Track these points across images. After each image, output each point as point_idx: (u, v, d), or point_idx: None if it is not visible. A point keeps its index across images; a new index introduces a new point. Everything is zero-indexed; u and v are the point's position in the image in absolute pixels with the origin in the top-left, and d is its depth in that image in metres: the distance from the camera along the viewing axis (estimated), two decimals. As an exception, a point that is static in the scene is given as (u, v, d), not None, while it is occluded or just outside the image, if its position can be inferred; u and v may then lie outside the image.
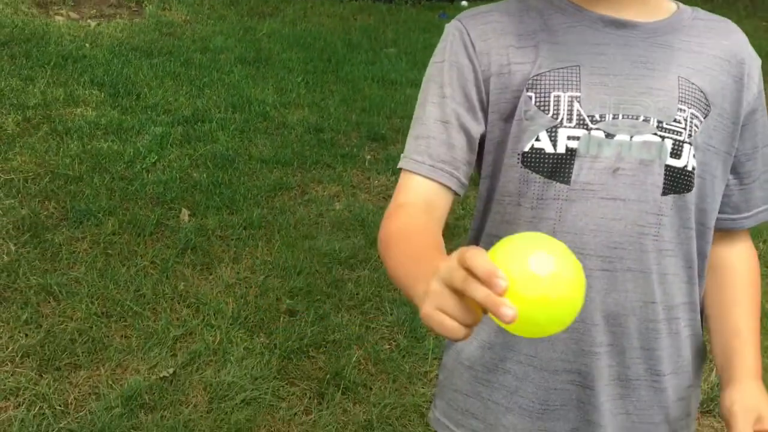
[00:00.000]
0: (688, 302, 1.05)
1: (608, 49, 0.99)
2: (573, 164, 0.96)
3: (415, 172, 1.00)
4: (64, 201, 3.31)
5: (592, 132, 0.96)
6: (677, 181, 0.98)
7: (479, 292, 0.63)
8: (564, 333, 0.98)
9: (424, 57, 6.01)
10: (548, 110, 0.97)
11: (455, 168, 1.00)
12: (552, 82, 0.97)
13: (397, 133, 4.48)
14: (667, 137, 0.97)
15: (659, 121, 0.96)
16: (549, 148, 0.97)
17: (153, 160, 3.78)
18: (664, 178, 0.97)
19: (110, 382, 2.33)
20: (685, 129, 0.97)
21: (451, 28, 1.05)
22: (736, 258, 1.10)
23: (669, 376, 1.04)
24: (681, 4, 1.06)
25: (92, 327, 2.56)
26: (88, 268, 2.88)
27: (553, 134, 0.97)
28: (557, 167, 0.97)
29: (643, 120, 0.96)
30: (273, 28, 6.48)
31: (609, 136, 0.96)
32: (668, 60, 0.99)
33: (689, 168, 0.98)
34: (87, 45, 5.49)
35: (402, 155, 1.04)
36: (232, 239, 3.18)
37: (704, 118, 0.99)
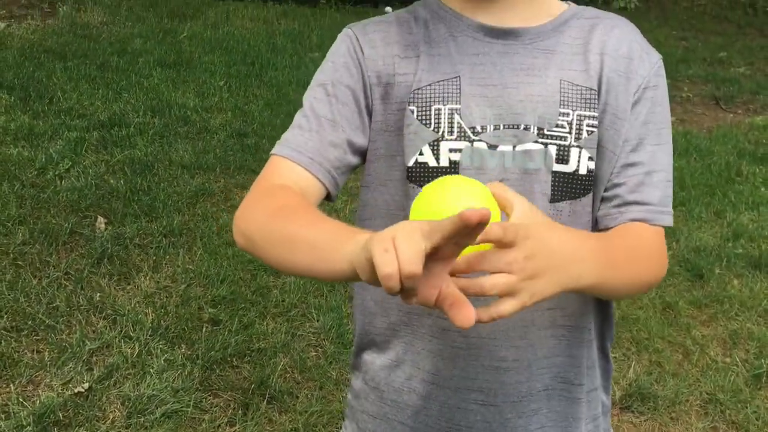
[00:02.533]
0: (592, 307, 1.02)
1: (488, 58, 0.97)
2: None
3: (293, 161, 0.96)
4: (-30, 210, 3.14)
5: (475, 144, 0.95)
6: (569, 187, 0.95)
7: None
8: (464, 350, 0.97)
9: (348, 61, 6.00)
10: (430, 123, 0.95)
11: (335, 167, 0.98)
12: (432, 95, 0.96)
13: (322, 138, 4.44)
14: (551, 143, 0.94)
15: (539, 128, 0.94)
16: (432, 162, 0.95)
17: (67, 167, 3.62)
18: (552, 185, 0.95)
19: (21, 400, 2.21)
20: (570, 133, 0.95)
21: (342, 35, 1.03)
22: (635, 232, 0.97)
23: (579, 386, 1.02)
24: (572, 5, 1.04)
25: (1, 342, 2.43)
26: (-4, 280, 2.73)
27: (435, 148, 0.95)
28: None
29: (524, 128, 0.94)
30: (194, 30, 6.35)
31: (491, 147, 0.95)
32: (549, 65, 0.97)
33: (582, 172, 0.95)
34: (-5, 46, 5.25)
35: (278, 142, 0.99)
36: (152, 247, 3.08)
37: (600, 116, 0.96)
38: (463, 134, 0.95)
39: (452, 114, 0.95)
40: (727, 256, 3.40)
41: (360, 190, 1.05)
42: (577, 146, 0.94)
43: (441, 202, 0.74)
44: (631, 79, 0.97)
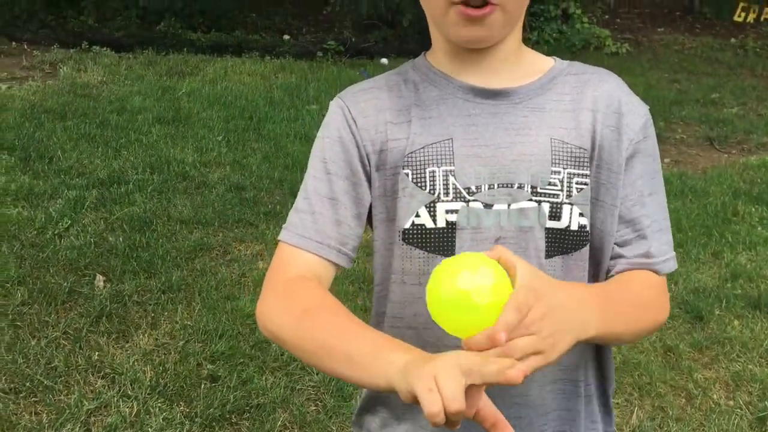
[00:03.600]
0: (590, 358, 1.04)
1: (479, 119, 0.99)
2: (455, 237, 0.97)
3: (302, 248, 0.99)
4: (-31, 272, 3.16)
5: (470, 204, 0.97)
6: (561, 242, 0.98)
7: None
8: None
9: (345, 113, 6.07)
10: (425, 186, 0.98)
11: (343, 244, 1.01)
12: (426, 158, 0.98)
13: (319, 189, 4.47)
14: (544, 201, 0.97)
15: (533, 186, 0.97)
16: (429, 224, 0.98)
17: (66, 225, 3.65)
18: (546, 242, 0.97)
19: (17, 465, 2.19)
20: (561, 190, 0.97)
21: (333, 106, 1.06)
22: (639, 281, 1.01)
23: None
24: (558, 60, 1.06)
25: (-2, 405, 2.42)
26: (-5, 342, 2.73)
27: (432, 209, 0.97)
28: (440, 241, 0.98)
29: (518, 187, 0.97)
30: (192, 87, 6.45)
31: (487, 206, 0.97)
32: (540, 123, 0.99)
33: (573, 228, 0.98)
34: (-3, 108, 5.33)
35: (285, 227, 1.03)
36: (150, 304, 3.09)
37: (589, 173, 0.99)
38: (458, 195, 0.97)
39: (447, 175, 0.97)
40: (726, 297, 3.39)
41: (374, 257, 1.07)
42: (569, 203, 0.97)
43: (454, 288, 0.79)
44: (623, 134, 0.99)
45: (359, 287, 3.34)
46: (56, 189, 4.07)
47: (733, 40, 10.54)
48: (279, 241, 1.03)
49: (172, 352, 2.78)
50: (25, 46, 7.46)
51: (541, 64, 1.05)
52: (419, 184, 0.98)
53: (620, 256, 1.01)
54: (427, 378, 0.72)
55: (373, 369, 0.82)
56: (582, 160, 0.98)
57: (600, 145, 0.99)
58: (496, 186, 0.97)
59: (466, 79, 1.01)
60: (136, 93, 6.10)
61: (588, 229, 0.99)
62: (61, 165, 4.42)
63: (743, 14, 11.77)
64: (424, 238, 0.98)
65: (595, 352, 1.05)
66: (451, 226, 0.97)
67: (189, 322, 2.98)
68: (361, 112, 1.03)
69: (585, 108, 1.00)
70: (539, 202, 0.97)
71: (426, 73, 1.04)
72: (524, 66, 1.03)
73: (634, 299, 0.98)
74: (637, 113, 1.02)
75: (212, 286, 3.28)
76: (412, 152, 0.99)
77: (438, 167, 0.97)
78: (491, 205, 0.97)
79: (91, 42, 7.55)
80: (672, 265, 1.02)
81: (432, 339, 0.94)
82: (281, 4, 11.17)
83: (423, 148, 0.99)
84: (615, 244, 1.01)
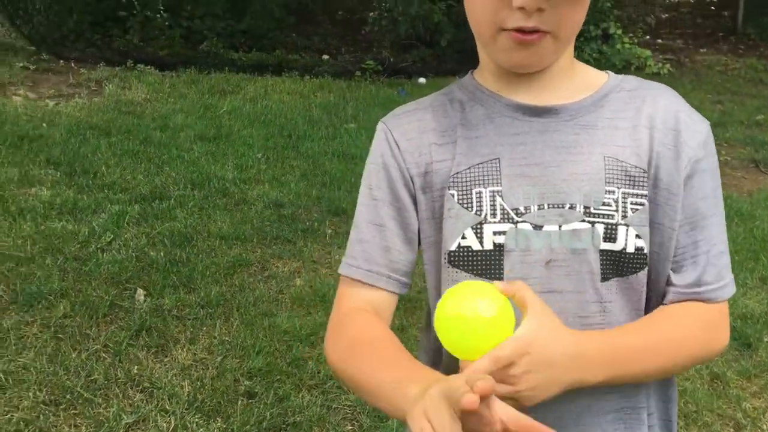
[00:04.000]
0: (652, 387, 1.00)
1: (528, 137, 0.96)
2: (503, 260, 0.94)
3: (353, 278, 1.01)
4: (14, 283, 3.21)
5: (519, 225, 0.94)
6: (617, 265, 0.94)
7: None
8: None
9: (383, 131, 6.09)
10: (471, 207, 0.95)
11: (393, 270, 1.00)
12: (472, 178, 0.96)
13: (357, 207, 4.48)
14: (598, 222, 0.93)
15: (586, 207, 0.93)
16: (476, 246, 0.95)
17: (108, 240, 3.71)
18: (602, 264, 0.93)
19: (56, 476, 2.20)
20: (617, 211, 0.93)
21: (377, 131, 1.05)
22: (684, 315, 0.97)
23: None
24: (611, 75, 1.02)
25: (39, 416, 2.44)
26: (38, 353, 2.76)
27: (478, 231, 0.95)
28: (487, 264, 0.95)
29: (570, 207, 0.93)
30: (233, 105, 6.54)
31: (537, 227, 0.93)
32: (592, 141, 0.95)
33: (630, 250, 0.93)
34: (44, 124, 5.46)
35: (343, 258, 1.05)
36: (189, 319, 3.10)
37: (647, 194, 0.94)
38: (506, 216, 0.94)
39: (494, 196, 0.94)
40: (775, 323, 3.29)
41: (426, 278, 1.06)
42: (624, 224, 0.93)
43: (455, 310, 0.81)
44: (681, 153, 0.95)
45: (396, 307, 3.31)
46: (99, 203, 4.14)
47: (778, 61, 10.33)
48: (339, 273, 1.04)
49: (210, 368, 2.78)
50: (72, 64, 7.66)
51: (594, 78, 1.01)
52: (465, 205, 0.95)
53: (672, 284, 0.97)
54: (418, 417, 0.73)
55: (393, 402, 0.83)
56: (638, 179, 0.94)
57: (657, 165, 0.95)
58: (546, 206, 0.93)
59: (514, 97, 0.98)
60: (178, 111, 6.21)
61: (646, 251, 0.94)
62: (104, 180, 4.50)
63: (789, 35, 11.55)
64: (471, 260, 0.95)
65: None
66: (499, 249, 0.94)
67: (227, 338, 2.99)
68: (404, 135, 1.02)
69: (641, 125, 0.96)
70: (593, 223, 0.93)
71: (473, 92, 1.02)
72: (576, 82, 0.99)
73: (664, 337, 0.93)
74: (695, 130, 0.97)
75: (250, 302, 3.29)
76: (457, 173, 0.97)
77: (485, 188, 0.95)
78: (541, 227, 0.93)
79: (135, 61, 7.72)
80: (729, 291, 0.97)
81: None
82: (321, 25, 11.32)
83: (469, 168, 0.96)
84: (671, 269, 0.97)
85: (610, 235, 0.93)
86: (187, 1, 9.29)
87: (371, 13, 10.62)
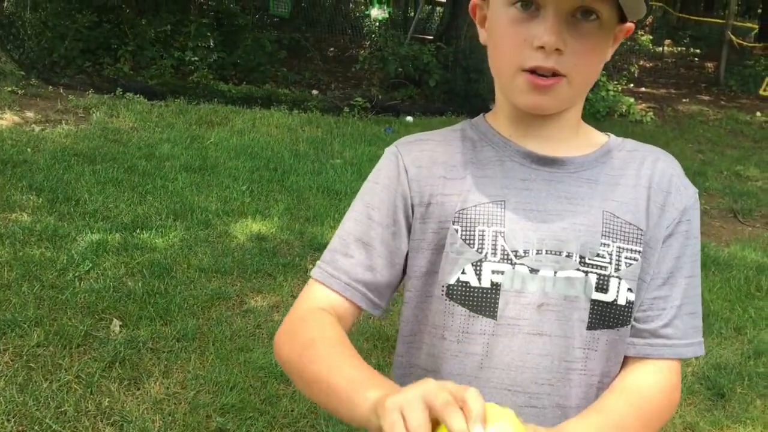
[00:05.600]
0: None
1: (534, 184, 1.01)
2: (498, 299, 0.97)
3: (327, 286, 1.02)
4: (-12, 310, 3.18)
5: (516, 267, 0.97)
6: (606, 316, 0.98)
7: (457, 422, 0.69)
8: None
9: (369, 168, 6.08)
10: (473, 244, 0.98)
11: (371, 290, 1.02)
12: (477, 217, 0.99)
13: (339, 244, 4.48)
14: (591, 272, 0.97)
15: (581, 256, 0.97)
16: (474, 282, 0.98)
17: (87, 268, 3.68)
18: (590, 313, 0.97)
19: None
20: (610, 263, 0.97)
21: (388, 153, 1.08)
22: (652, 388, 1.00)
23: None
24: (612, 136, 1.09)
25: (5, 448, 2.40)
26: (8, 382, 2.73)
27: (478, 268, 0.98)
28: (483, 301, 0.98)
29: (566, 255, 0.97)
30: (221, 137, 6.57)
31: (533, 271, 0.97)
32: (592, 195, 1.00)
33: (621, 302, 0.98)
34: (29, 150, 5.46)
35: (318, 264, 1.05)
36: (164, 352, 3.08)
37: (641, 250, 0.99)
38: (506, 257, 0.97)
39: (496, 236, 0.98)
40: (748, 374, 3.31)
41: (401, 306, 1.08)
42: (617, 277, 0.97)
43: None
44: (666, 212, 1.01)
45: (374, 345, 3.31)
46: (80, 231, 4.12)
47: (758, 114, 10.56)
48: (310, 277, 1.05)
49: (182, 402, 2.76)
50: (61, 90, 7.67)
51: (597, 137, 1.08)
52: (468, 242, 0.98)
53: (636, 335, 1.00)
54: (391, 411, 0.73)
55: (352, 405, 0.83)
56: (632, 235, 0.99)
57: (649, 224, 1.01)
58: (544, 252, 0.97)
59: (524, 144, 1.03)
60: (165, 140, 6.22)
61: (635, 304, 0.99)
62: (86, 208, 4.49)
63: (769, 88, 11.81)
64: (468, 295, 0.98)
65: None
66: (496, 287, 0.97)
67: (201, 372, 2.97)
68: (414, 162, 1.05)
69: (640, 185, 1.02)
70: (586, 272, 0.97)
71: (485, 133, 1.06)
72: (581, 138, 1.06)
73: (641, 415, 0.96)
74: (683, 194, 1.04)
75: (227, 336, 3.27)
76: (463, 209, 1.00)
77: (488, 227, 0.98)
78: (537, 270, 0.96)
79: (125, 89, 7.76)
80: (695, 351, 1.01)
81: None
82: (312, 61, 11.45)
83: (475, 206, 0.99)
84: (634, 320, 1.00)
85: (602, 286, 0.97)
86: (179, 33, 9.38)
87: (362, 51, 10.76)
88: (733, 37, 12.47)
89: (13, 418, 2.54)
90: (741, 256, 4.94)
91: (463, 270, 0.98)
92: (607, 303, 0.97)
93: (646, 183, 1.02)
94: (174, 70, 8.90)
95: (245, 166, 5.82)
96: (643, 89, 12.08)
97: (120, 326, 3.23)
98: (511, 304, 0.96)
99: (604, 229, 0.98)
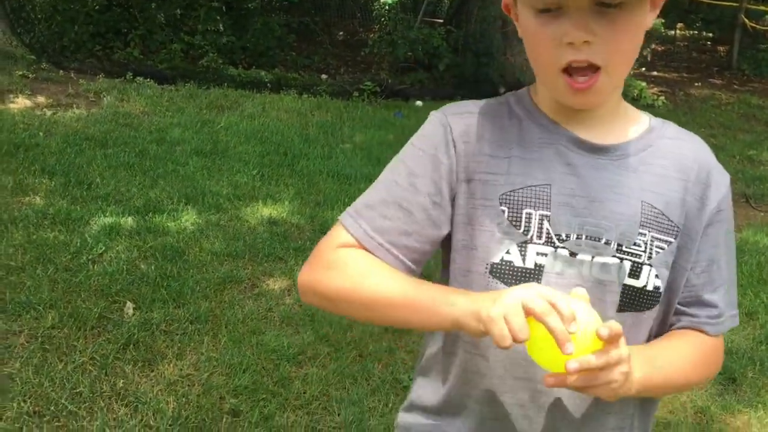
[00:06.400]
0: (639, 408, 1.10)
1: (579, 170, 1.03)
2: (540, 279, 1.01)
3: (360, 241, 1.04)
4: (3, 293, 3.21)
5: (559, 250, 1.01)
6: (635, 300, 1.03)
7: (557, 323, 0.83)
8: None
9: (379, 153, 6.13)
10: (520, 226, 1.01)
11: (404, 255, 1.04)
12: (524, 199, 1.01)
13: (350, 228, 4.49)
14: (627, 259, 1.01)
15: (619, 245, 1.01)
16: (518, 262, 1.01)
17: (100, 251, 3.71)
18: (621, 297, 1.02)
19: (37, 489, 2.20)
20: (644, 251, 1.02)
21: (436, 121, 1.08)
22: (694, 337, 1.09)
23: None
24: (652, 119, 1.11)
25: (22, 428, 2.43)
26: (24, 363, 2.76)
27: (523, 249, 1.01)
28: (525, 281, 1.00)
29: (605, 242, 1.01)
30: (231, 121, 6.57)
31: (572, 255, 1.01)
32: (633, 185, 1.03)
33: (649, 288, 1.03)
34: (41, 134, 5.48)
35: (351, 213, 1.06)
36: (177, 334, 3.10)
37: (673, 239, 1.04)
38: (549, 240, 1.01)
39: (542, 220, 1.01)
40: (760, 359, 3.31)
41: (449, 281, 1.09)
42: (649, 264, 1.02)
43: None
44: (706, 205, 1.06)
45: (385, 328, 3.33)
46: (92, 215, 4.14)
47: (771, 97, 10.45)
48: (339, 221, 1.06)
49: (196, 384, 2.78)
50: (72, 75, 7.68)
51: (637, 118, 1.10)
52: (514, 223, 1.01)
53: (684, 314, 1.08)
54: (498, 319, 0.86)
55: (437, 310, 0.94)
56: (665, 226, 1.04)
57: (685, 214, 1.05)
58: (584, 237, 1.00)
59: (569, 128, 1.05)
60: (176, 125, 6.23)
61: (661, 291, 1.04)
62: (98, 192, 4.51)
63: (783, 72, 11.69)
64: (511, 274, 1.01)
65: (641, 400, 1.11)
66: (539, 268, 1.01)
67: (214, 354, 2.99)
68: (462, 136, 1.05)
69: (678, 178, 1.06)
70: (622, 259, 1.01)
71: (531, 112, 1.07)
72: (623, 120, 1.08)
73: (681, 359, 1.05)
74: (721, 183, 1.08)
75: (239, 319, 3.29)
76: (512, 191, 1.02)
77: (534, 210, 1.01)
78: (576, 254, 1.00)
79: (135, 73, 7.76)
80: (731, 323, 1.11)
81: (506, 371, 1.03)
82: (321, 45, 11.41)
83: (523, 188, 1.02)
84: (679, 303, 1.08)
85: (635, 272, 1.02)
86: (189, 17, 9.36)
87: (371, 35, 10.71)
88: (746, 21, 12.33)
89: (29, 398, 2.58)
90: (753, 241, 4.92)
91: (508, 250, 1.01)
92: (638, 288, 1.02)
93: (684, 176, 1.05)
94: (183, 54, 8.89)
95: (255, 150, 5.82)
96: (655, 73, 11.98)
97: (133, 309, 3.26)
98: (552, 285, 0.98)
99: (642, 220, 1.02)
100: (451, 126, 1.06)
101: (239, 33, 9.52)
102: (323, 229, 4.38)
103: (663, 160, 1.06)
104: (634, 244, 1.01)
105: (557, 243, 1.00)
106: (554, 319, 0.83)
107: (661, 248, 1.03)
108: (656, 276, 1.03)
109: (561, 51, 0.95)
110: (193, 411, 2.63)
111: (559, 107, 1.05)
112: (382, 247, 1.03)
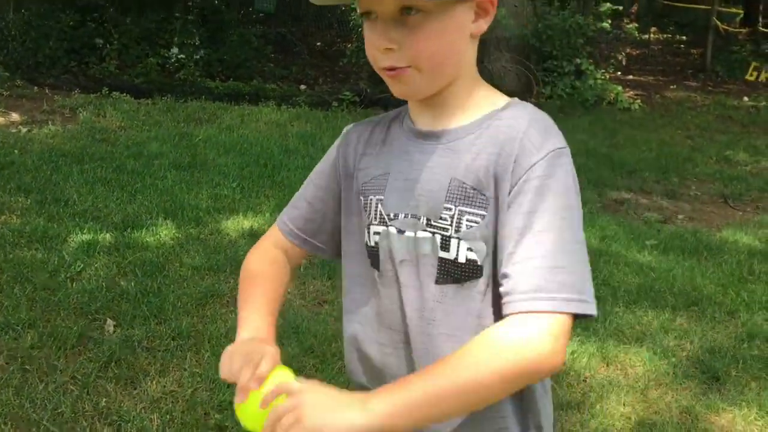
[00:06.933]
0: (509, 404, 1.11)
1: (412, 156, 1.14)
2: (378, 255, 1.16)
3: (281, 230, 1.30)
4: (-19, 313, 3.15)
5: (389, 228, 1.14)
6: (451, 272, 1.09)
7: (243, 377, 1.07)
8: None
9: (359, 162, 6.12)
10: (368, 211, 1.17)
11: (312, 237, 1.28)
12: (371, 188, 1.17)
13: (332, 238, 4.47)
14: (437, 233, 1.09)
15: (428, 219, 1.10)
16: (368, 242, 1.18)
17: (78, 269, 3.66)
18: (438, 269, 1.09)
19: None
20: (451, 225, 1.08)
21: (345, 130, 1.28)
22: (490, 337, 1.00)
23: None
24: (503, 105, 1.11)
25: (2, 451, 2.38)
26: (3, 385, 2.71)
27: (367, 231, 1.18)
28: (372, 257, 1.17)
29: (419, 218, 1.11)
30: (209, 134, 6.54)
31: (400, 232, 1.13)
32: (448, 164, 1.10)
33: (461, 260, 1.08)
34: (16, 151, 5.41)
35: (281, 213, 1.32)
36: (159, 350, 3.06)
37: (483, 213, 1.06)
38: (382, 220, 1.15)
39: (378, 204, 1.15)
40: (742, 357, 3.33)
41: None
42: (457, 237, 1.07)
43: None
44: (512, 172, 1.04)
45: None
46: (70, 232, 4.09)
47: (746, 98, 10.61)
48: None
49: (180, 400, 2.75)
50: (47, 91, 7.62)
51: (491, 105, 1.12)
52: (365, 209, 1.18)
53: (501, 287, 1.03)
54: (224, 354, 1.15)
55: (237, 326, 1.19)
56: (476, 200, 1.07)
57: (496, 186, 1.06)
58: (408, 216, 1.12)
59: (417, 121, 1.16)
60: (153, 139, 6.19)
61: (479, 263, 1.07)
62: (76, 208, 4.46)
63: (755, 73, 11.88)
64: (369, 253, 1.18)
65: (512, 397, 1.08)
66: (376, 245, 1.16)
67: (197, 370, 2.95)
68: (347, 140, 1.24)
69: (491, 152, 1.07)
70: (433, 233, 1.09)
71: (401, 114, 1.21)
72: (471, 109, 1.12)
73: (462, 365, 0.97)
74: (533, 154, 1.03)
75: (222, 333, 3.26)
76: (366, 181, 1.18)
77: (374, 196, 1.16)
78: (403, 231, 1.12)
79: (111, 88, 7.70)
80: (547, 306, 0.97)
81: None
82: (299, 56, 11.39)
83: (372, 179, 1.18)
84: (501, 274, 1.04)
85: (445, 246, 1.09)
86: (164, 30, 9.32)
87: (349, 45, 10.72)
88: (718, 23, 12.52)
89: (10, 421, 2.53)
90: (732, 240, 4.97)
91: (365, 232, 1.18)
92: (450, 260, 1.08)
93: (497, 149, 1.06)
94: (160, 67, 8.85)
95: (235, 162, 5.79)
96: (630, 77, 12.11)
97: (114, 326, 3.21)
98: (386, 259, 1.14)
99: (448, 195, 1.08)
100: (345, 133, 1.26)
101: (216, 45, 9.50)
102: (305, 240, 4.36)
103: (487, 138, 1.08)
104: (440, 218, 1.08)
105: (388, 222, 1.13)
106: (244, 374, 1.06)
107: (474, 222, 1.06)
108: (469, 249, 1.06)
109: (377, 54, 1.08)
110: (178, 428, 2.59)
111: (413, 104, 1.17)
112: (292, 233, 1.28)
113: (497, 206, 1.05)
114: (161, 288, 3.59)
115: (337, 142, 1.26)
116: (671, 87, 11.62)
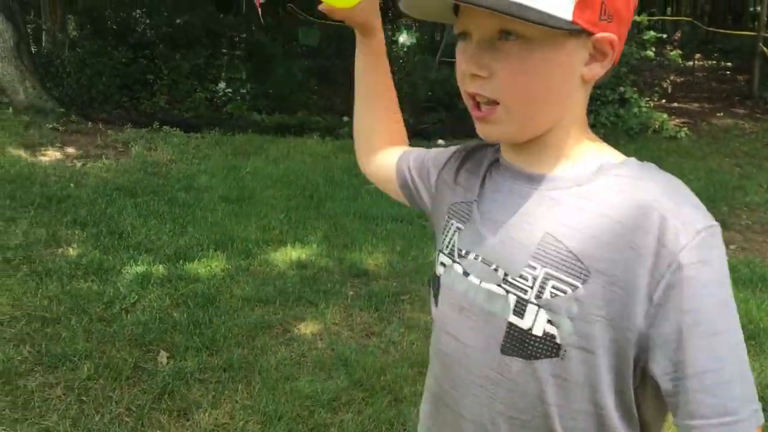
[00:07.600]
0: None
1: (501, 195, 0.98)
2: (439, 289, 1.03)
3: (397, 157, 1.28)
4: (40, 344, 3.24)
5: (455, 265, 1.00)
6: (521, 344, 0.90)
7: None
8: None
9: (403, 193, 6.15)
10: (445, 235, 1.04)
11: (412, 181, 1.20)
12: (457, 212, 1.04)
13: (379, 268, 4.50)
14: (512, 292, 0.90)
15: (506, 274, 0.92)
16: (435, 269, 1.05)
17: (133, 300, 3.74)
18: (506, 335, 0.91)
19: None
20: (531, 288, 0.89)
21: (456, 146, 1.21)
22: None
23: None
24: (617, 161, 0.93)
25: (61, 481, 2.43)
26: (61, 416, 2.77)
27: (438, 256, 1.05)
28: (435, 288, 1.05)
29: (494, 269, 0.93)
30: (256, 166, 6.66)
31: (465, 273, 0.97)
32: (544, 215, 0.91)
33: (536, 333, 0.88)
34: (72, 185, 5.58)
35: None
36: (211, 382, 3.10)
37: (581, 283, 0.86)
38: (452, 252, 1.01)
39: (455, 232, 1.02)
40: None
41: None
42: (536, 304, 0.88)
43: None
44: (656, 254, 0.83)
45: (419, 371, 3.30)
46: (125, 264, 4.19)
47: (796, 125, 10.38)
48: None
49: (232, 433, 2.77)
50: (100, 126, 7.86)
51: (602, 157, 0.94)
52: (444, 231, 1.05)
53: (671, 406, 0.85)
54: None
55: None
56: (571, 267, 0.87)
57: (609, 259, 0.85)
58: (480, 259, 0.96)
59: (511, 157, 1.00)
60: (202, 172, 6.33)
61: (558, 341, 0.87)
62: (130, 241, 4.57)
63: (806, 99, 11.62)
64: (433, 279, 1.07)
65: None
66: (438, 278, 1.04)
67: (248, 402, 2.98)
68: (457, 154, 1.13)
69: (601, 213, 0.87)
70: (507, 291, 0.91)
71: (496, 152, 1.12)
72: (576, 158, 0.95)
73: None
74: (678, 230, 0.83)
75: (272, 365, 3.29)
76: (454, 203, 1.06)
77: (457, 222, 1.03)
78: (468, 274, 0.97)
79: (161, 122, 7.93)
80: (743, 429, 0.82)
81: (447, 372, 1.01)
82: (342, 87, 11.56)
83: (460, 202, 1.04)
84: (664, 389, 0.85)
85: (519, 310, 0.90)
86: (212, 66, 9.57)
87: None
88: (765, 49, 12.32)
89: (68, 451, 2.58)
90: (788, 272, 4.84)
91: (436, 256, 1.06)
92: (522, 330, 0.89)
93: (618, 216, 0.86)
94: (208, 102, 9.07)
95: (281, 194, 5.88)
96: (675, 104, 11.96)
97: (167, 357, 3.27)
98: (446, 297, 1.00)
99: (536, 251, 0.89)
100: (465, 147, 1.13)
101: (262, 79, 9.70)
102: (351, 271, 4.39)
103: (597, 195, 0.89)
104: (520, 275, 0.90)
105: (456, 257, 0.99)
106: None
107: (561, 291, 0.86)
108: (549, 321, 0.87)
109: (464, 78, 0.94)
110: (230, 460, 2.61)
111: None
112: (402, 166, 1.23)
113: (612, 281, 0.85)
114: (212, 319, 3.65)
115: (453, 150, 1.15)
116: (718, 114, 11.43)
